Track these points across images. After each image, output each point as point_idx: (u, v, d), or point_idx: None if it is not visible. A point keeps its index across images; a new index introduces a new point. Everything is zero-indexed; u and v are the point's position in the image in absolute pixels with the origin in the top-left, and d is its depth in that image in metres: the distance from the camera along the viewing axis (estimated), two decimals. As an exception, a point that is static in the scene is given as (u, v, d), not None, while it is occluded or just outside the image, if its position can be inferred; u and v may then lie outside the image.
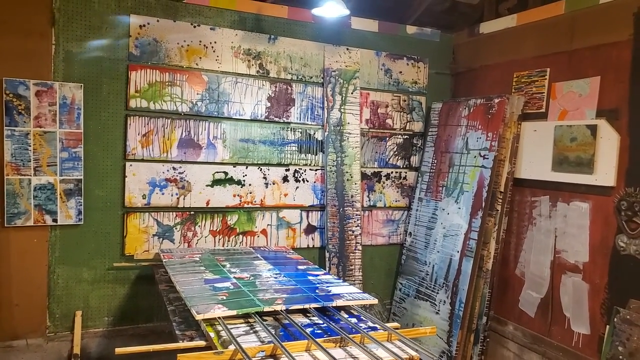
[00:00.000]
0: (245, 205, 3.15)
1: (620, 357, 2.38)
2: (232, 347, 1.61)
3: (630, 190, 2.44)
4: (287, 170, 3.25)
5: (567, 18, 2.84)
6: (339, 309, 2.03)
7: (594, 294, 2.60)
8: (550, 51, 2.94)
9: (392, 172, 3.57)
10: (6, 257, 2.65)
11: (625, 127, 2.49)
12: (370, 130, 3.49)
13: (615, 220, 2.50)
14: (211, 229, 3.07)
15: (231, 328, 1.77)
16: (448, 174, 3.31)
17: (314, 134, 3.32)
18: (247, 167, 3.14)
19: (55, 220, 2.71)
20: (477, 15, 3.63)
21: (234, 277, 2.31)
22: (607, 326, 2.48)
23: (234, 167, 3.11)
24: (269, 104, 3.17)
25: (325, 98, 3.32)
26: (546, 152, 2.87)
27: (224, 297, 2.01)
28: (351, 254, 3.35)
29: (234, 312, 1.86)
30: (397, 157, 3.58)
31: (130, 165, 2.86)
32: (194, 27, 2.97)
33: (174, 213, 2.98)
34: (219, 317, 1.83)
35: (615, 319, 2.43)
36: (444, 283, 3.12)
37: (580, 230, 2.69)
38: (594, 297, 2.60)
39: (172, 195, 2.96)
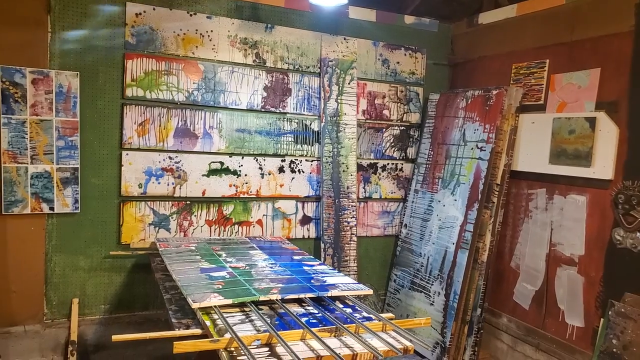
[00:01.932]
0: (241, 196, 3.15)
1: (614, 349, 2.40)
2: (228, 336, 1.62)
3: (628, 184, 2.44)
4: (283, 160, 3.25)
5: (568, 9, 2.81)
6: (334, 299, 2.04)
7: (589, 287, 2.62)
8: (550, 42, 2.92)
9: (388, 164, 3.56)
10: (3, 245, 2.66)
11: (625, 120, 2.47)
12: (367, 121, 3.47)
13: (612, 214, 2.50)
14: (207, 218, 3.08)
15: (227, 317, 1.77)
16: (445, 165, 3.30)
17: (310, 124, 3.31)
18: (243, 157, 3.14)
19: (52, 209, 2.72)
20: (476, 6, 3.60)
21: (230, 267, 2.32)
22: (602, 319, 2.50)
23: (230, 157, 3.10)
24: (265, 94, 3.16)
25: (322, 88, 3.30)
26: (544, 144, 2.86)
27: (220, 286, 2.01)
28: (346, 245, 3.36)
29: (229, 301, 1.87)
30: (393, 148, 3.57)
31: (127, 154, 2.86)
32: (191, 15, 2.94)
33: (170, 202, 2.98)
34: (215, 306, 1.84)
35: (609, 312, 2.45)
36: (438, 275, 3.13)
37: (576, 223, 2.69)
38: (589, 290, 2.61)
39: (168, 185, 2.96)
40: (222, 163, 3.09)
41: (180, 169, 2.98)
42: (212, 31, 3.00)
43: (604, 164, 2.54)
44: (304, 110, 3.28)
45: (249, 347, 1.57)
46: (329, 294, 2.04)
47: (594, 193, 2.61)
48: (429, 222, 3.32)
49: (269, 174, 3.21)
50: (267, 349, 1.60)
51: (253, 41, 3.11)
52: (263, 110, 3.16)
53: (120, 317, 2.93)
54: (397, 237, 3.60)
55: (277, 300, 1.94)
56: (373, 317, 1.87)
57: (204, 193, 3.05)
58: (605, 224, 2.54)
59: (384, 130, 3.53)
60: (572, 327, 2.70)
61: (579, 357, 2.63)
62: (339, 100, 3.34)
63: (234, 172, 3.12)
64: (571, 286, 2.71)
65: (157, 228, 2.96)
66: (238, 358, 1.54)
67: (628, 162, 2.45)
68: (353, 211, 3.38)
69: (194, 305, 1.83)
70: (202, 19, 2.97)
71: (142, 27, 2.84)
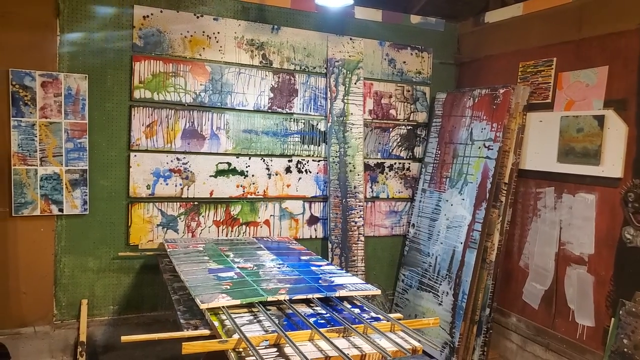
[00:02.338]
0: (249, 196, 3.16)
1: (625, 349, 2.37)
2: (236, 336, 1.62)
3: (638, 182, 2.42)
4: (290, 161, 3.25)
5: (575, 6, 2.79)
6: (342, 299, 2.04)
7: (599, 286, 2.59)
8: (557, 40, 2.90)
9: (395, 163, 3.56)
10: (14, 246, 2.69)
11: (633, 118, 2.45)
12: (374, 120, 3.47)
13: (622, 212, 2.48)
14: (215, 219, 3.09)
15: (235, 317, 1.78)
16: (452, 165, 3.29)
17: (317, 124, 3.31)
18: (250, 158, 3.15)
19: (61, 210, 2.74)
20: (482, 4, 3.59)
21: (238, 267, 2.33)
22: (612, 319, 2.48)
23: (237, 157, 3.12)
24: (272, 95, 3.17)
25: (328, 88, 3.30)
26: (552, 143, 2.84)
27: (228, 287, 2.02)
28: (354, 245, 3.35)
29: (237, 302, 1.87)
30: (400, 148, 3.57)
31: (135, 155, 2.87)
32: (197, 17, 2.96)
33: (178, 203, 2.99)
34: (223, 307, 1.84)
35: (620, 312, 2.42)
36: (447, 274, 3.12)
37: (585, 222, 2.67)
38: (599, 289, 2.59)
39: (176, 186, 2.97)
40: (229, 164, 3.10)
41: (188, 170, 3.00)
42: (218, 33, 3.01)
43: (613, 162, 2.52)
44: (310, 111, 3.28)
45: (257, 347, 1.57)
46: (337, 294, 2.03)
47: (603, 191, 2.59)
48: (437, 221, 3.31)
49: (276, 174, 3.22)
50: (275, 349, 1.61)
51: (259, 42, 3.12)
52: (270, 111, 3.17)
53: (129, 317, 2.94)
54: (405, 237, 3.59)
55: (285, 300, 1.94)
56: (381, 317, 1.87)
57: (211, 194, 3.06)
58: (615, 222, 2.52)
59: (391, 129, 3.53)
60: (582, 327, 2.67)
61: (590, 357, 2.61)
62: (345, 101, 3.34)
63: (241, 173, 3.13)
64: (581, 285, 2.68)
65: (165, 229, 2.97)
66: (246, 359, 1.54)
67: (637, 160, 2.43)
68: (360, 211, 3.37)
69: (202, 306, 1.84)
70: (209, 20, 2.98)
71: (149, 29, 2.85)
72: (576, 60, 2.77)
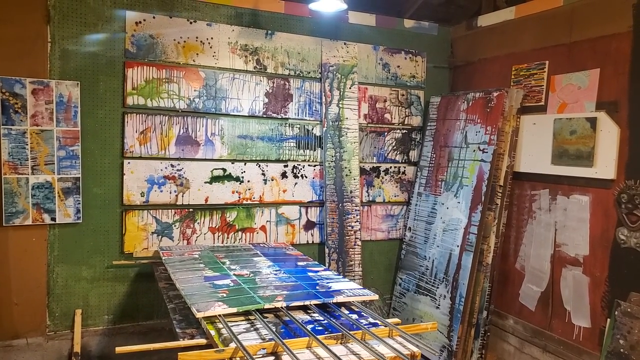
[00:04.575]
0: (244, 202, 3.14)
1: (622, 350, 2.38)
2: (233, 345, 1.60)
3: (631, 183, 2.44)
4: (286, 166, 3.24)
5: (566, 10, 2.82)
6: (340, 305, 2.03)
7: (594, 287, 2.61)
8: (549, 44, 2.92)
9: (391, 167, 3.56)
10: (5, 257, 2.65)
11: (625, 120, 2.48)
12: (369, 125, 3.48)
13: (616, 213, 2.50)
14: (210, 225, 3.06)
15: (232, 326, 1.76)
16: (447, 168, 3.30)
17: (312, 129, 3.31)
18: (245, 164, 3.13)
19: (53, 219, 2.70)
20: (475, 8, 3.61)
21: (234, 274, 2.31)
22: (608, 319, 2.49)
23: (233, 163, 3.10)
24: (266, 100, 3.16)
25: (323, 93, 3.30)
26: (545, 145, 2.86)
27: (224, 295, 2.00)
28: (351, 250, 3.34)
29: (234, 310, 1.86)
30: (395, 151, 3.57)
31: (128, 162, 2.85)
32: (191, 23, 2.95)
33: (173, 210, 2.97)
34: (219, 315, 1.82)
35: (616, 312, 2.44)
36: (444, 277, 3.12)
37: (580, 224, 2.69)
38: (595, 290, 2.60)
39: (170, 193, 2.95)
40: (224, 170, 3.08)
41: (183, 177, 2.98)
42: (212, 38, 3.00)
43: (605, 164, 2.54)
44: (305, 116, 3.28)
45: (254, 356, 1.56)
46: (335, 300, 2.02)
47: (596, 193, 2.61)
48: (433, 224, 3.31)
49: (272, 180, 3.21)
50: (272, 358, 1.59)
51: (253, 47, 3.11)
52: (265, 116, 3.16)
53: (124, 327, 2.91)
54: (402, 241, 3.59)
55: (282, 307, 1.93)
56: (379, 322, 1.86)
57: (206, 200, 3.04)
58: (609, 223, 2.54)
59: (386, 133, 3.53)
60: (578, 328, 2.68)
61: (587, 358, 2.61)
62: (340, 105, 3.34)
63: (237, 179, 3.11)
64: (577, 287, 2.70)
65: (160, 236, 2.95)
66: (244, 367, 1.53)
67: (630, 162, 2.45)
68: (357, 215, 3.37)
69: (198, 315, 1.82)
70: (202, 26, 2.98)
71: (142, 35, 2.84)
72: (568, 63, 2.79)
